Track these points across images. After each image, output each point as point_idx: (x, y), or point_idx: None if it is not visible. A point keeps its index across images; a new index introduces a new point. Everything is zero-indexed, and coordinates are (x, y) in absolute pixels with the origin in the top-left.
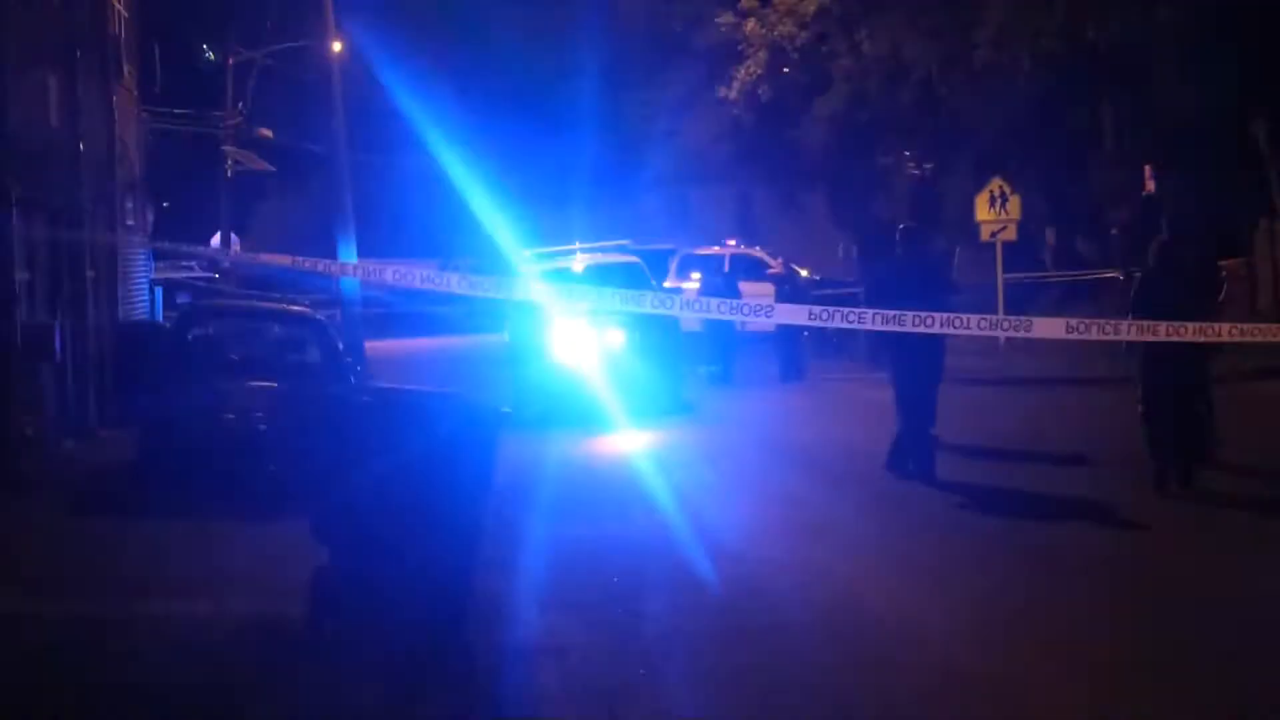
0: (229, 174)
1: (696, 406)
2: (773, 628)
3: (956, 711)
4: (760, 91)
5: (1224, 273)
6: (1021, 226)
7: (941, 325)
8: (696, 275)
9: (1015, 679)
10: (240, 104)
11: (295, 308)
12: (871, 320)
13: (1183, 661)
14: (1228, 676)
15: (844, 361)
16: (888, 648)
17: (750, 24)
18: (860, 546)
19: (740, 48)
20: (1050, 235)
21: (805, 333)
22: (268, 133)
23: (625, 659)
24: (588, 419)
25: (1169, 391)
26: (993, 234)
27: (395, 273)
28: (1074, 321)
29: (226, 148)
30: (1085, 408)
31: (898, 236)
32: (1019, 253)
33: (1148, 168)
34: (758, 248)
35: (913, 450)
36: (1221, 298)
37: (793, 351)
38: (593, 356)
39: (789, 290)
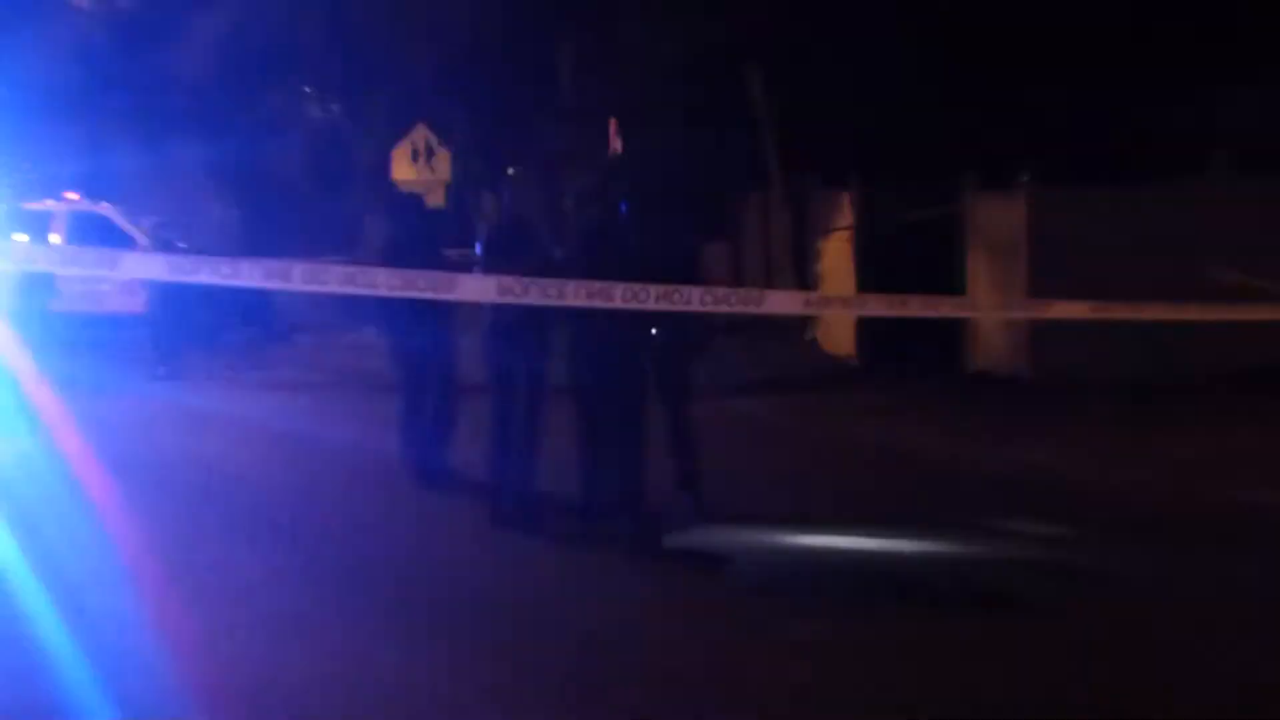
0: None
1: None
2: None
3: None
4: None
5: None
6: (456, 191)
7: (657, 299)
8: (24, 237)
9: None
10: None
11: None
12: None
13: None
14: None
15: (215, 357)
16: None
17: None
18: None
19: None
20: (492, 203)
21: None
22: None
23: None
24: None
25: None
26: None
27: None
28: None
29: None
30: None
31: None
32: (449, 223)
33: (613, 122)
34: (106, 204)
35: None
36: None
37: (172, 338)
38: None
39: None
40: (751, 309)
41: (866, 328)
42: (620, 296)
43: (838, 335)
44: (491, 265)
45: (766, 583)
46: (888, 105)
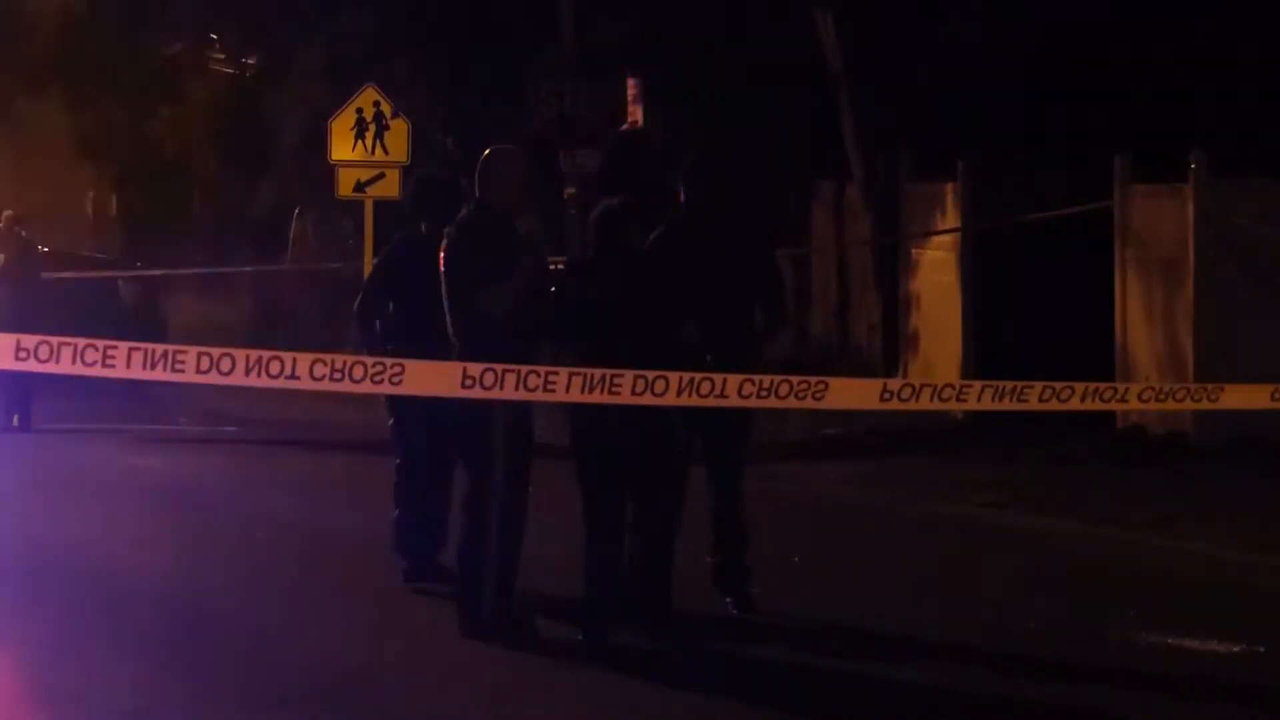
0: None
1: None
2: None
3: None
4: None
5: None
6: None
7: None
8: None
9: None
10: None
11: None
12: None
13: None
14: None
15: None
16: None
17: None
18: None
19: None
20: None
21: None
22: None
23: None
24: None
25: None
26: (360, 186)
27: None
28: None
29: None
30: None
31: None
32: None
33: (632, 82)
34: None
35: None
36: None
37: (20, 387)
38: None
39: (24, 266)
40: (810, 404)
41: (978, 364)
42: (630, 389)
43: (937, 376)
44: (458, 285)
45: None
46: (1008, 68)
